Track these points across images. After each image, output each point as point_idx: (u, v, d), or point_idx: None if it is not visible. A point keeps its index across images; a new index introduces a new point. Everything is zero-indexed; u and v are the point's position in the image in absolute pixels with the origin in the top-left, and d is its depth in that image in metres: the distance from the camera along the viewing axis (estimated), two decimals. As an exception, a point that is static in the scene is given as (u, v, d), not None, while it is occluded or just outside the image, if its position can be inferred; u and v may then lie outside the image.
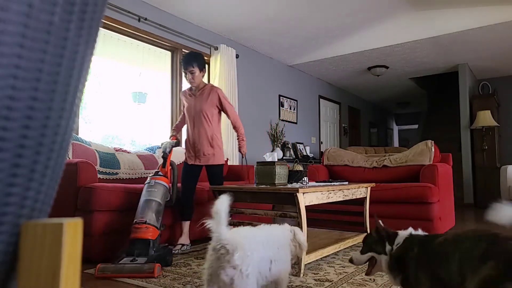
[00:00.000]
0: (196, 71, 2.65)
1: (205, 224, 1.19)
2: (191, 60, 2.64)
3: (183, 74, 2.73)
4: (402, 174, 3.62)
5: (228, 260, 1.15)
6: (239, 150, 2.82)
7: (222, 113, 2.84)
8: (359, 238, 2.65)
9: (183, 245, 2.64)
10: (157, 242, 2.23)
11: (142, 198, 2.35)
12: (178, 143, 2.85)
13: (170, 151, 2.70)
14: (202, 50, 4.62)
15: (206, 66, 2.74)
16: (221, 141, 2.78)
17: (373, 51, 5.48)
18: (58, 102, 0.39)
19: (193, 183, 2.75)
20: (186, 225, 2.71)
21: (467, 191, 6.04)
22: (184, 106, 2.83)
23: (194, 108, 2.72)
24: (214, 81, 4.63)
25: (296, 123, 6.37)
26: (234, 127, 2.82)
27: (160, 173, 2.52)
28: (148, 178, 2.50)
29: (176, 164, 2.95)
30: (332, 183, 2.61)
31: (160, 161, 3.06)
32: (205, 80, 2.90)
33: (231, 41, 5.09)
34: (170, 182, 2.57)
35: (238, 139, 2.82)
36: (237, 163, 4.81)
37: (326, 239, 2.51)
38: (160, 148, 2.99)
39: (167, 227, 2.70)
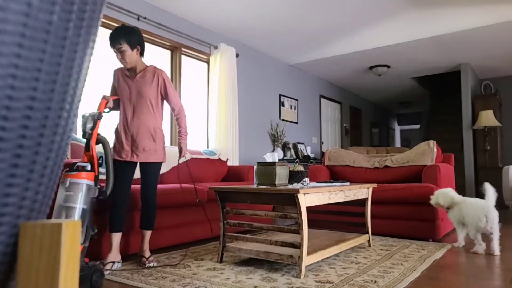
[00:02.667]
0: (126, 48, 2.18)
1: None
2: (118, 35, 2.16)
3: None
4: (404, 175, 3.62)
5: None
6: (179, 145, 2.37)
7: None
8: (361, 239, 2.64)
9: (113, 262, 2.16)
10: (80, 259, 1.79)
11: (56, 204, 1.84)
12: (102, 113, 2.14)
13: (94, 127, 2.04)
14: (202, 49, 4.63)
15: (144, 43, 2.29)
16: (163, 135, 2.35)
17: (374, 50, 5.48)
18: (57, 102, 0.39)
19: (128, 184, 2.27)
20: (116, 237, 2.21)
21: (469, 192, 6.03)
22: (117, 87, 2.34)
23: (135, 92, 2.27)
24: (214, 80, 4.63)
25: (297, 123, 6.37)
26: (177, 118, 2.38)
27: (78, 165, 1.91)
28: (62, 176, 1.91)
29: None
30: (333, 184, 2.61)
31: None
32: (158, 67, 2.38)
33: (231, 40, 5.09)
34: (97, 170, 1.98)
35: (179, 132, 2.38)
36: (237, 164, 4.81)
37: (327, 240, 2.50)
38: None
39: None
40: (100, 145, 2.28)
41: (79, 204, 1.84)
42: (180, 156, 2.37)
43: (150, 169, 2.30)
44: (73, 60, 0.40)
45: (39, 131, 0.38)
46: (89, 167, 1.94)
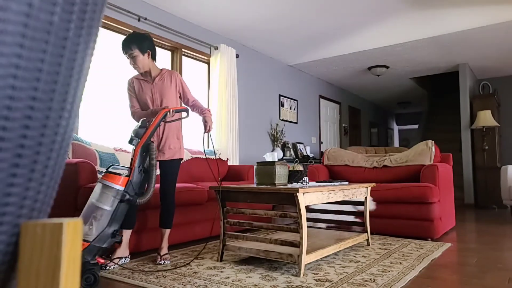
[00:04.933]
0: (138, 54, 2.28)
1: None
2: (129, 42, 2.27)
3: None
4: (402, 174, 3.62)
5: None
6: (204, 120, 2.40)
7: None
8: (359, 238, 2.65)
9: (121, 258, 2.25)
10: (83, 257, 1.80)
11: (89, 200, 1.96)
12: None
13: (142, 135, 2.15)
14: (202, 50, 4.63)
15: (155, 48, 2.39)
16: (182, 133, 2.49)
17: (373, 50, 5.48)
18: (58, 102, 0.39)
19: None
20: (126, 234, 2.30)
21: (468, 191, 6.04)
22: (138, 94, 2.42)
23: (158, 95, 2.38)
24: (214, 81, 4.63)
25: (296, 123, 6.37)
26: (194, 104, 2.47)
27: (111, 169, 1.98)
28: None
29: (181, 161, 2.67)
30: (332, 183, 2.61)
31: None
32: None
33: (231, 41, 5.09)
34: (129, 174, 2.04)
35: (202, 110, 2.44)
36: (237, 163, 4.81)
37: (326, 239, 2.51)
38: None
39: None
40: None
41: (99, 203, 1.90)
42: (205, 131, 2.42)
43: (173, 166, 2.39)
44: (74, 61, 0.40)
45: (40, 131, 0.38)
46: (126, 172, 2.06)
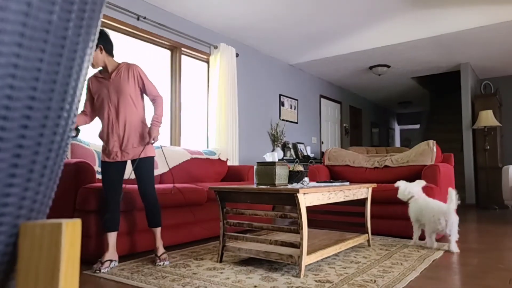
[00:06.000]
0: None
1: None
2: None
3: None
4: (403, 175, 3.62)
5: None
6: (148, 130, 2.27)
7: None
8: (360, 239, 2.64)
9: (111, 261, 2.20)
10: None
11: None
12: (77, 132, 2.29)
13: None
14: (202, 49, 4.62)
15: (109, 42, 2.27)
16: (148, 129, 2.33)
17: (374, 50, 5.47)
18: (57, 101, 0.39)
19: (120, 184, 2.29)
20: (112, 237, 2.23)
21: (469, 192, 6.03)
22: (93, 93, 2.32)
23: (114, 92, 2.24)
24: (214, 80, 4.63)
25: (296, 123, 6.37)
26: (154, 104, 2.33)
27: None
28: None
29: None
30: (333, 184, 2.61)
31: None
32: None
33: (231, 40, 5.09)
34: None
35: (152, 117, 2.30)
36: (237, 163, 4.81)
37: (326, 240, 2.50)
38: None
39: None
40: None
41: None
42: (148, 142, 2.28)
43: (143, 164, 2.28)
44: (73, 60, 0.40)
45: (39, 131, 0.38)
46: None
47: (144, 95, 2.39)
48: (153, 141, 2.28)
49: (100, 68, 2.32)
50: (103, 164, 2.28)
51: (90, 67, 2.25)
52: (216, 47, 4.66)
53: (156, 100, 2.34)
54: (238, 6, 4.13)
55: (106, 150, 2.30)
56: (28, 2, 0.34)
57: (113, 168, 2.27)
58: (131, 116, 2.25)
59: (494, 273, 2.06)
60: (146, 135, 2.29)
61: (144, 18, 3.88)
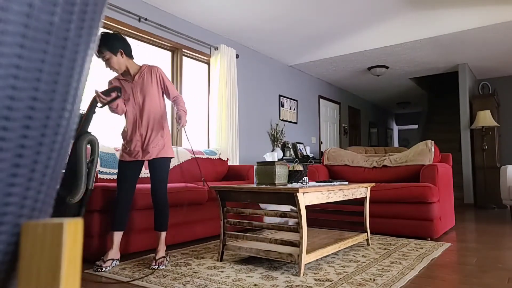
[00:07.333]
0: (110, 56, 2.21)
1: None
2: (100, 45, 2.19)
3: None
4: (402, 174, 3.63)
5: None
6: (177, 116, 2.31)
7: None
8: (359, 238, 2.65)
9: (113, 260, 2.21)
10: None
11: None
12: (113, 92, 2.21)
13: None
14: (202, 50, 4.63)
15: (127, 45, 2.29)
16: (169, 131, 2.40)
17: (373, 51, 5.48)
18: (59, 102, 0.40)
19: (133, 184, 2.30)
20: (117, 236, 2.24)
21: (467, 191, 6.04)
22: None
23: (139, 93, 2.30)
24: (214, 81, 4.63)
25: (296, 123, 6.37)
26: (175, 101, 2.37)
27: None
28: None
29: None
30: (332, 183, 2.62)
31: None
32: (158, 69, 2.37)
33: (232, 41, 5.09)
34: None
35: (178, 109, 2.34)
36: (238, 163, 4.81)
37: (326, 239, 2.51)
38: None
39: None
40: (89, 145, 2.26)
41: None
42: (179, 126, 2.30)
43: (160, 165, 2.29)
44: (74, 61, 0.40)
45: (40, 131, 0.38)
46: None
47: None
48: (183, 126, 2.31)
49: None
50: (121, 163, 2.30)
51: (114, 72, 2.30)
52: (216, 49, 4.66)
53: (177, 98, 2.38)
54: (238, 8, 4.13)
55: (127, 149, 2.31)
56: (29, 3, 0.35)
57: (131, 167, 2.29)
58: (154, 116, 2.30)
59: (492, 272, 2.07)
60: (166, 136, 2.33)
61: (145, 19, 3.88)
